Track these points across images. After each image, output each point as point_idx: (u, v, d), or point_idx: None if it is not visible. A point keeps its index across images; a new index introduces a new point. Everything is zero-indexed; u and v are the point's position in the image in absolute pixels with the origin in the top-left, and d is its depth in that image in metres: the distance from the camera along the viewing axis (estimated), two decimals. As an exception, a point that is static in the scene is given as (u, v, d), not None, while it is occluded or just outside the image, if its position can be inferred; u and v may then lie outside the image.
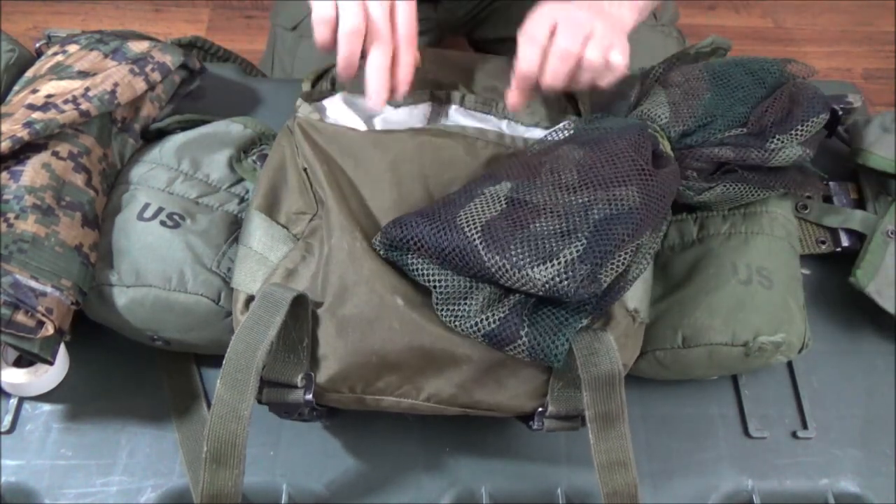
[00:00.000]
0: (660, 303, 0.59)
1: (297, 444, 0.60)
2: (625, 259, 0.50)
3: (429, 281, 0.50)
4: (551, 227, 0.49)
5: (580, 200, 0.50)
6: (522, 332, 0.48)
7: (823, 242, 0.68)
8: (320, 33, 0.57)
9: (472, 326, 0.49)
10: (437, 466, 0.59)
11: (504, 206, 0.51)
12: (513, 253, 0.47)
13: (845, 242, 0.67)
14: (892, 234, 0.64)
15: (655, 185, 0.51)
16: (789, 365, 0.65)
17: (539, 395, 0.51)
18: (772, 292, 0.58)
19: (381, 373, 0.50)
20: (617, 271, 0.50)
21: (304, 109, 0.61)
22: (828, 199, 0.70)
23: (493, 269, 0.48)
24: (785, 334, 0.56)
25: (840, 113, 0.67)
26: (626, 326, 0.53)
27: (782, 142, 0.59)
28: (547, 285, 0.47)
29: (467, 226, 0.49)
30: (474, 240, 0.48)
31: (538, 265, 0.47)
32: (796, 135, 0.59)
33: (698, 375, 0.61)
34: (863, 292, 0.63)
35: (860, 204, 0.69)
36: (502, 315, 0.48)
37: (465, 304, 0.49)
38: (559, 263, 0.47)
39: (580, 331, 0.50)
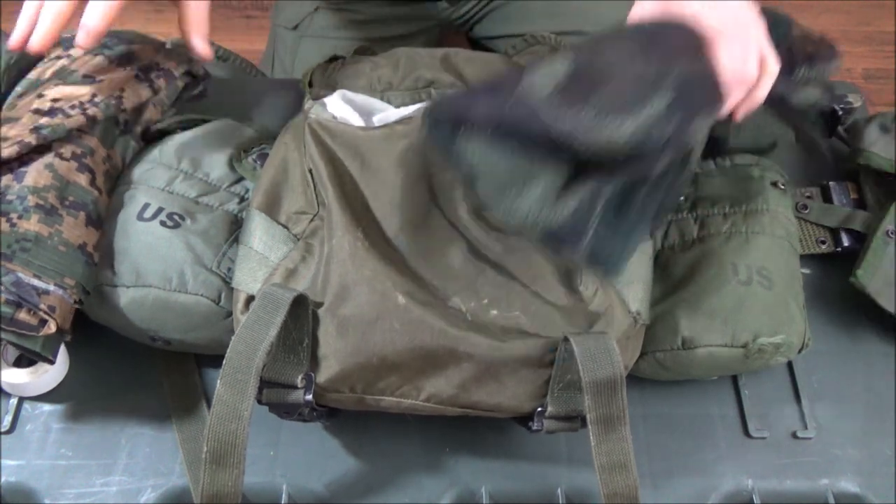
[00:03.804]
0: (660, 304, 0.59)
1: (297, 444, 0.60)
2: (702, 128, 0.45)
3: (481, 165, 0.45)
4: (633, 79, 0.44)
5: (656, 66, 0.45)
6: (589, 233, 0.44)
7: (823, 242, 0.68)
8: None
9: (531, 221, 0.44)
10: (437, 466, 0.60)
11: (572, 68, 0.45)
12: (592, 104, 0.42)
13: (845, 242, 0.67)
14: (892, 234, 0.64)
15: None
16: (789, 365, 0.65)
17: (539, 395, 0.51)
18: (772, 293, 0.58)
19: (381, 373, 0.50)
20: (696, 139, 0.45)
21: (316, 110, 0.60)
22: (828, 199, 0.70)
23: (568, 129, 0.42)
24: (785, 335, 0.56)
25: (840, 113, 0.67)
26: (627, 328, 0.53)
27: (808, 75, 0.58)
28: (635, 136, 0.42)
29: (538, 85, 0.43)
30: (545, 97, 0.43)
31: (622, 117, 0.42)
32: (820, 71, 0.58)
33: (698, 376, 0.61)
34: (863, 292, 0.63)
35: (860, 204, 0.69)
36: (569, 211, 0.43)
37: (524, 193, 0.44)
38: (647, 111, 0.42)
39: (581, 334, 0.50)
